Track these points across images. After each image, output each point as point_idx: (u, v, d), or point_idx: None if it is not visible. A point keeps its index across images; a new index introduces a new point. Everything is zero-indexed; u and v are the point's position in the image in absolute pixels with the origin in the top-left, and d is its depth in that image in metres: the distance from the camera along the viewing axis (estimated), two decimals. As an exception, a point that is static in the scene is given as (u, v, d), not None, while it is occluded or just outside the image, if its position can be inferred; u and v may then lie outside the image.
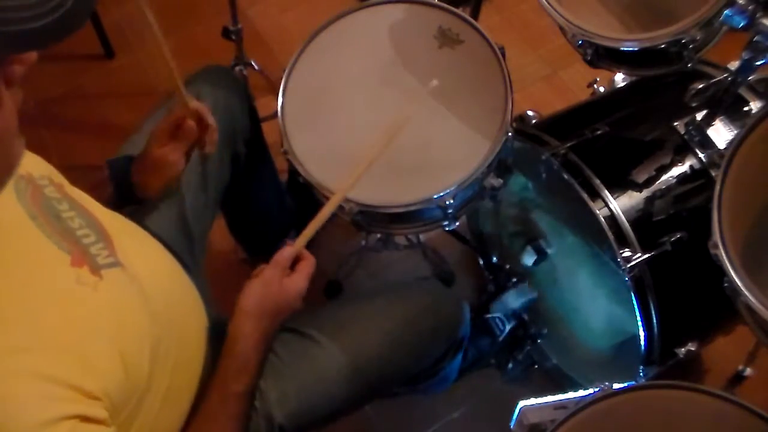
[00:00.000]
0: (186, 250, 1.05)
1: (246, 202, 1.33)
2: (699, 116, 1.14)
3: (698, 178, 1.15)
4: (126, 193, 0.99)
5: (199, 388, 0.86)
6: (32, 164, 0.75)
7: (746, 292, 0.84)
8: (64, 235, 0.70)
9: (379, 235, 1.57)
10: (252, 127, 1.23)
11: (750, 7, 0.91)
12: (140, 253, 0.82)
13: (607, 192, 1.11)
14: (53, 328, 0.61)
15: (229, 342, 0.86)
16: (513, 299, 1.44)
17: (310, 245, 0.95)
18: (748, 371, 1.37)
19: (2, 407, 0.54)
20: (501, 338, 1.48)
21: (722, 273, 0.87)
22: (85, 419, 0.60)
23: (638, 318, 1.10)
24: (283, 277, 0.90)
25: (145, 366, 0.71)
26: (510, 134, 1.09)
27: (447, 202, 1.06)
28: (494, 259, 1.58)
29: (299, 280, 0.91)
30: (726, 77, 1.05)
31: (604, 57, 1.13)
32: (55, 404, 0.57)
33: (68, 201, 0.75)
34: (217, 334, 0.89)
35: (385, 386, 1.06)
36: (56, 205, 0.73)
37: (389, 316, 1.04)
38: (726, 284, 0.88)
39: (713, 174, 1.12)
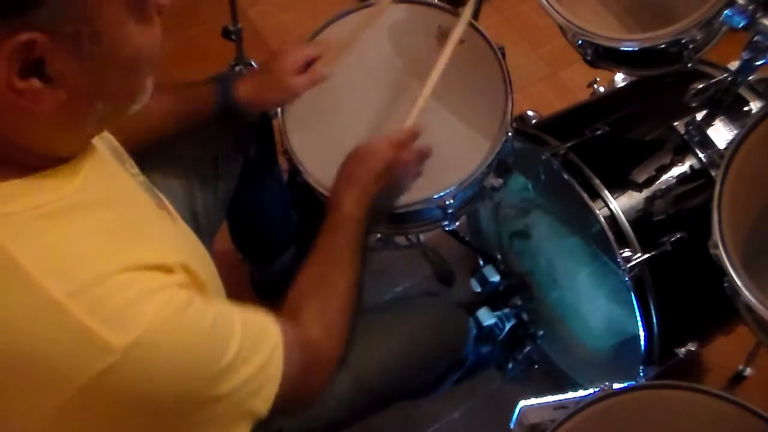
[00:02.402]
0: None
1: (251, 210, 1.33)
2: (699, 116, 1.14)
3: (698, 178, 1.15)
4: (228, 108, 1.03)
5: None
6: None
7: (746, 292, 0.84)
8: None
9: (379, 235, 1.57)
10: (264, 134, 1.23)
11: (750, 7, 0.91)
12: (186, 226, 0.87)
13: (607, 192, 1.11)
14: (156, 242, 0.65)
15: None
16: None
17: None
18: (748, 371, 1.37)
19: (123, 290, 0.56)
20: (500, 338, 1.47)
21: (722, 273, 0.87)
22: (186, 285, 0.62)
23: (638, 318, 1.10)
24: (392, 146, 0.95)
25: None
26: (510, 134, 1.09)
27: (447, 202, 1.06)
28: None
29: (409, 153, 0.97)
30: (726, 77, 1.05)
31: (604, 57, 1.13)
32: (165, 277, 0.60)
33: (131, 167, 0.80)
34: None
35: (386, 401, 1.06)
36: (129, 166, 0.78)
37: (395, 332, 1.04)
38: (726, 284, 0.88)
39: (713, 174, 1.12)
